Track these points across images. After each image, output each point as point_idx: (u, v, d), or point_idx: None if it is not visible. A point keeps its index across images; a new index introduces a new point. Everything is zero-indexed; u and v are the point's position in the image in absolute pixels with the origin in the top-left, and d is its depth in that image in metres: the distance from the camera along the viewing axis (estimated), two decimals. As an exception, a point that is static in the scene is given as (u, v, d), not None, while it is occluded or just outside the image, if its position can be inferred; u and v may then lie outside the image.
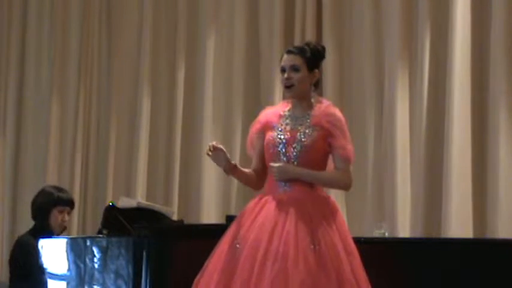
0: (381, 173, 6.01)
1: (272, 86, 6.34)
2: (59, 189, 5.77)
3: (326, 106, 3.94)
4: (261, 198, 3.87)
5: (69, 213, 5.73)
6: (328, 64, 6.23)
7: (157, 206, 5.74)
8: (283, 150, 3.85)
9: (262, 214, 3.78)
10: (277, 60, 4.18)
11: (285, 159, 3.85)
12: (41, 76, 7.37)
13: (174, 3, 7.00)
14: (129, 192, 6.80)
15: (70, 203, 5.72)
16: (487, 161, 5.64)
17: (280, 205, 3.78)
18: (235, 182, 6.30)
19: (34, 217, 5.66)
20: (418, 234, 5.69)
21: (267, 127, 3.95)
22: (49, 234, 5.52)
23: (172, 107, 6.87)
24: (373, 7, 6.15)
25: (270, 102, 6.07)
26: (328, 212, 3.81)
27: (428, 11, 5.85)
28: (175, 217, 6.25)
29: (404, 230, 5.76)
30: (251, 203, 3.88)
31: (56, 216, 5.59)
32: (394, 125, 5.88)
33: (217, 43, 6.78)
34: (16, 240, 5.77)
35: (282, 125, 3.91)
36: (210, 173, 6.63)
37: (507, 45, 5.58)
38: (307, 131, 3.86)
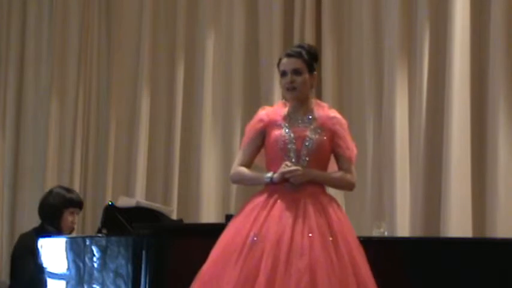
0: (380, 173, 6.01)
1: (271, 85, 6.33)
2: (69, 190, 5.75)
3: (327, 108, 4.02)
4: (270, 193, 3.85)
5: (77, 214, 5.72)
6: (328, 63, 6.24)
7: (157, 205, 5.74)
8: (294, 147, 3.87)
9: (278, 208, 3.78)
10: (276, 59, 4.16)
11: (293, 156, 3.86)
12: (40, 75, 7.37)
13: (173, 2, 7.00)
14: (129, 192, 6.79)
15: (80, 204, 5.72)
16: (486, 160, 5.64)
17: (295, 199, 3.80)
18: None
19: (44, 218, 5.61)
20: (418, 233, 5.69)
21: (271, 125, 3.95)
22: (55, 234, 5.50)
23: (172, 106, 6.87)
24: (373, 7, 6.16)
25: (270, 101, 6.07)
26: (336, 205, 3.88)
27: (428, 10, 5.85)
28: (174, 216, 6.25)
29: (403, 229, 5.76)
30: (260, 198, 3.85)
31: (67, 218, 5.57)
32: (393, 125, 5.89)
33: (217, 42, 6.78)
34: (18, 237, 5.76)
35: (287, 124, 3.93)
36: (210, 172, 6.63)
37: (506, 45, 5.59)
38: (315, 132, 3.90)
